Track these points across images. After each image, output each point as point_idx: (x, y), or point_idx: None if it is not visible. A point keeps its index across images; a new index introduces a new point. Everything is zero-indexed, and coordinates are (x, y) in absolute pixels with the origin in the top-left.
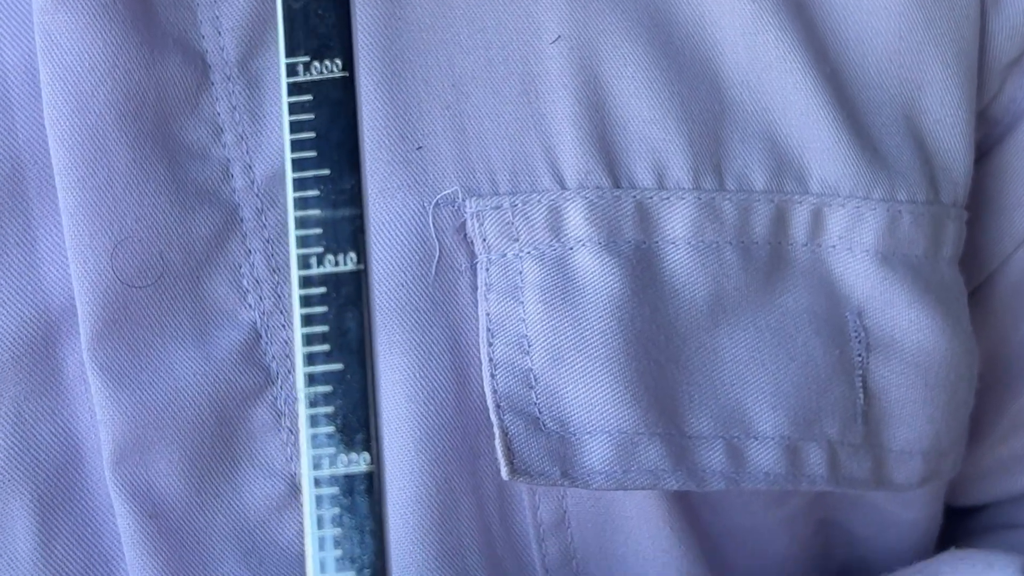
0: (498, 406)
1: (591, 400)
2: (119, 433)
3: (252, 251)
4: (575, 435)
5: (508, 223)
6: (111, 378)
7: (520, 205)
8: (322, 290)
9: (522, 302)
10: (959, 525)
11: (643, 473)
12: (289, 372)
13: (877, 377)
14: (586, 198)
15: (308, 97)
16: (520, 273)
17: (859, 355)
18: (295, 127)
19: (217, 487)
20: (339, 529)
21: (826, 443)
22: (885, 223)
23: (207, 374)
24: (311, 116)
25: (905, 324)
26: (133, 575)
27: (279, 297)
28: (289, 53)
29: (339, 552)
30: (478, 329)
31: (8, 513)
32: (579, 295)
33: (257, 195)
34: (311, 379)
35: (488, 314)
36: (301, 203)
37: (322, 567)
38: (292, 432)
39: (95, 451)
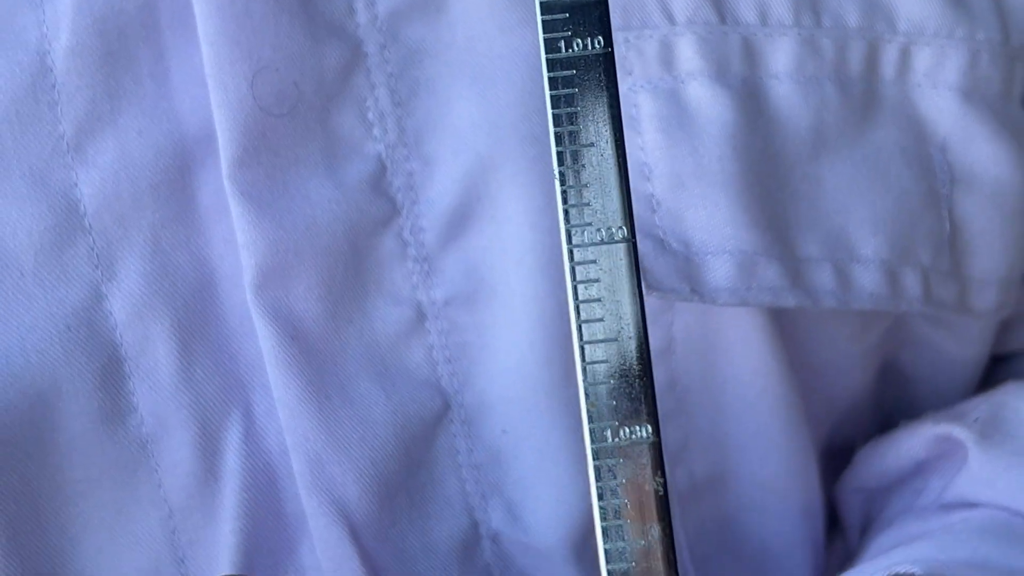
0: None
1: (712, 223)
2: (261, 258)
3: (376, 85)
4: (699, 255)
5: (621, 57)
6: (252, 203)
7: (632, 40)
8: (571, 72)
9: (640, 132)
10: (988, 377)
11: (763, 291)
12: (413, 203)
13: (960, 209)
14: (696, 33)
15: None
16: (636, 105)
17: (944, 188)
18: None
19: (350, 312)
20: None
21: (920, 268)
22: (967, 61)
23: (340, 202)
24: None
25: (984, 159)
26: (277, 394)
27: (402, 131)
28: None
29: (601, 324)
30: None
31: (150, 338)
32: (694, 125)
33: (379, 31)
34: (562, 157)
35: None
36: None
37: (581, 336)
38: (417, 261)
39: (229, 279)
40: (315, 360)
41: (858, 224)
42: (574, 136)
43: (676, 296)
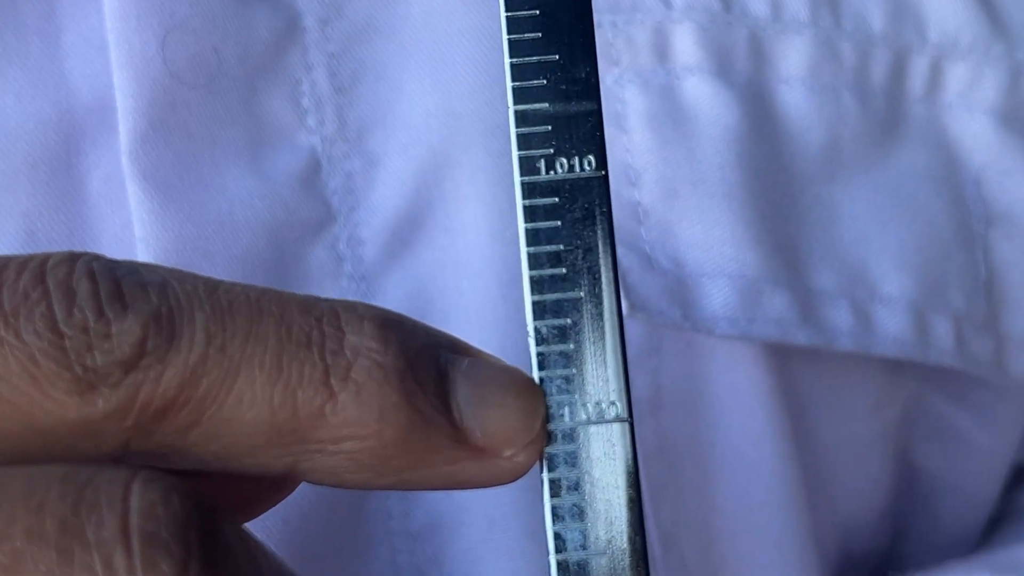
0: None
1: (709, 239)
2: (163, 254)
3: (313, 65)
4: (693, 277)
5: (608, 44)
6: (156, 188)
7: (621, 25)
8: (552, 200)
9: (626, 130)
10: (1013, 499)
11: (769, 323)
12: (352, 210)
13: (997, 253)
14: (695, 21)
15: None
16: (622, 101)
17: (979, 226)
18: (514, 1)
19: None
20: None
21: (952, 315)
22: (1007, 82)
23: (264, 197)
24: None
25: None
26: None
27: (343, 122)
28: None
29: (583, 526)
30: None
31: None
32: (691, 125)
33: (321, 2)
34: (542, 310)
35: None
36: (523, 95)
37: (561, 544)
38: (353, 279)
39: None
40: None
41: (880, 257)
42: (560, 282)
43: (664, 321)
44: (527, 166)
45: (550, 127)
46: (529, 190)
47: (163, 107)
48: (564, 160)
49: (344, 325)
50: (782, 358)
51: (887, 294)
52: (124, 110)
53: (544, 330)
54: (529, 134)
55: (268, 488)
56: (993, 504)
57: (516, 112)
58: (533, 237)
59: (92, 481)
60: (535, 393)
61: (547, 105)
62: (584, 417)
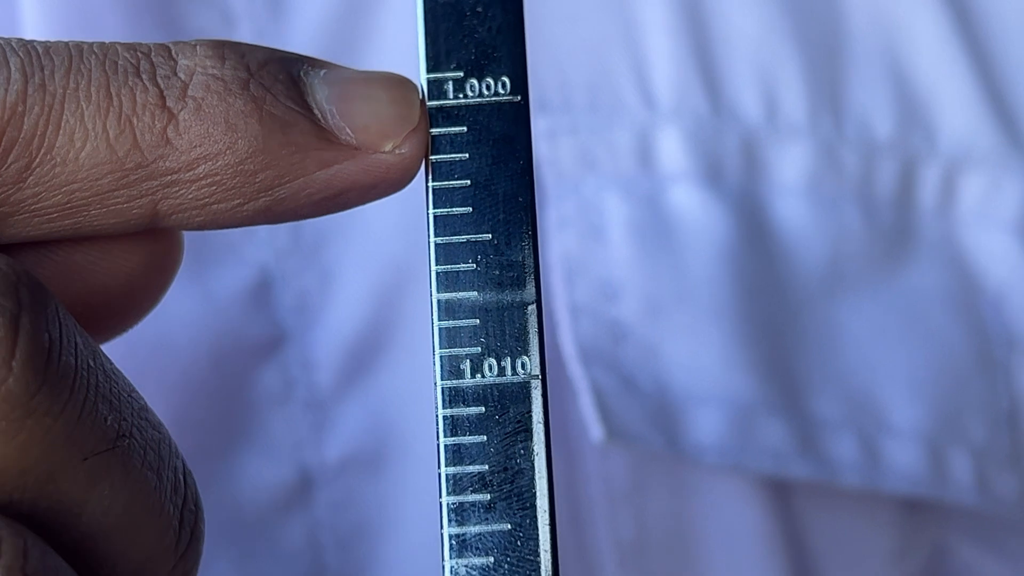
0: (585, 357)
1: (697, 361)
2: None
3: None
4: (678, 401)
5: (585, 149)
6: None
7: (600, 128)
8: (478, 410)
9: (606, 243)
10: None
11: (764, 454)
12: (305, 330)
13: (1021, 381)
14: (682, 125)
15: (460, 129)
16: (601, 210)
17: (1001, 353)
18: (441, 171)
19: (210, 465)
20: None
21: (970, 449)
22: None
23: (206, 315)
24: (464, 156)
25: None
26: None
27: (299, 234)
28: (433, 67)
29: None
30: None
31: None
32: (678, 238)
33: None
34: (462, 546)
35: (566, 253)
36: (448, 281)
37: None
38: (307, 407)
39: None
40: None
41: (889, 384)
42: (484, 511)
43: (646, 446)
44: (449, 367)
45: (478, 320)
46: (452, 398)
47: None
48: (493, 361)
49: (175, 54)
50: (783, 497)
51: (897, 425)
52: None
53: (465, 571)
54: (454, 329)
55: (135, 273)
56: None
57: (439, 301)
58: (454, 455)
59: None
60: (406, 83)
61: (476, 294)
62: None
